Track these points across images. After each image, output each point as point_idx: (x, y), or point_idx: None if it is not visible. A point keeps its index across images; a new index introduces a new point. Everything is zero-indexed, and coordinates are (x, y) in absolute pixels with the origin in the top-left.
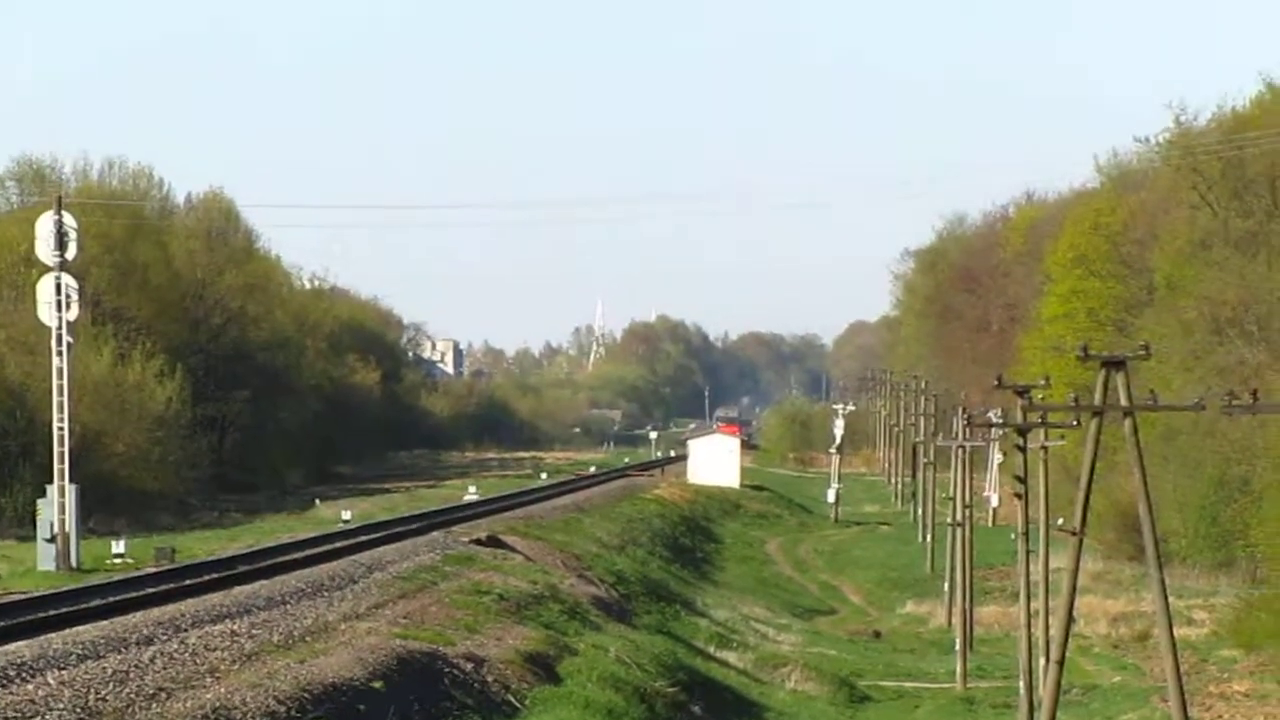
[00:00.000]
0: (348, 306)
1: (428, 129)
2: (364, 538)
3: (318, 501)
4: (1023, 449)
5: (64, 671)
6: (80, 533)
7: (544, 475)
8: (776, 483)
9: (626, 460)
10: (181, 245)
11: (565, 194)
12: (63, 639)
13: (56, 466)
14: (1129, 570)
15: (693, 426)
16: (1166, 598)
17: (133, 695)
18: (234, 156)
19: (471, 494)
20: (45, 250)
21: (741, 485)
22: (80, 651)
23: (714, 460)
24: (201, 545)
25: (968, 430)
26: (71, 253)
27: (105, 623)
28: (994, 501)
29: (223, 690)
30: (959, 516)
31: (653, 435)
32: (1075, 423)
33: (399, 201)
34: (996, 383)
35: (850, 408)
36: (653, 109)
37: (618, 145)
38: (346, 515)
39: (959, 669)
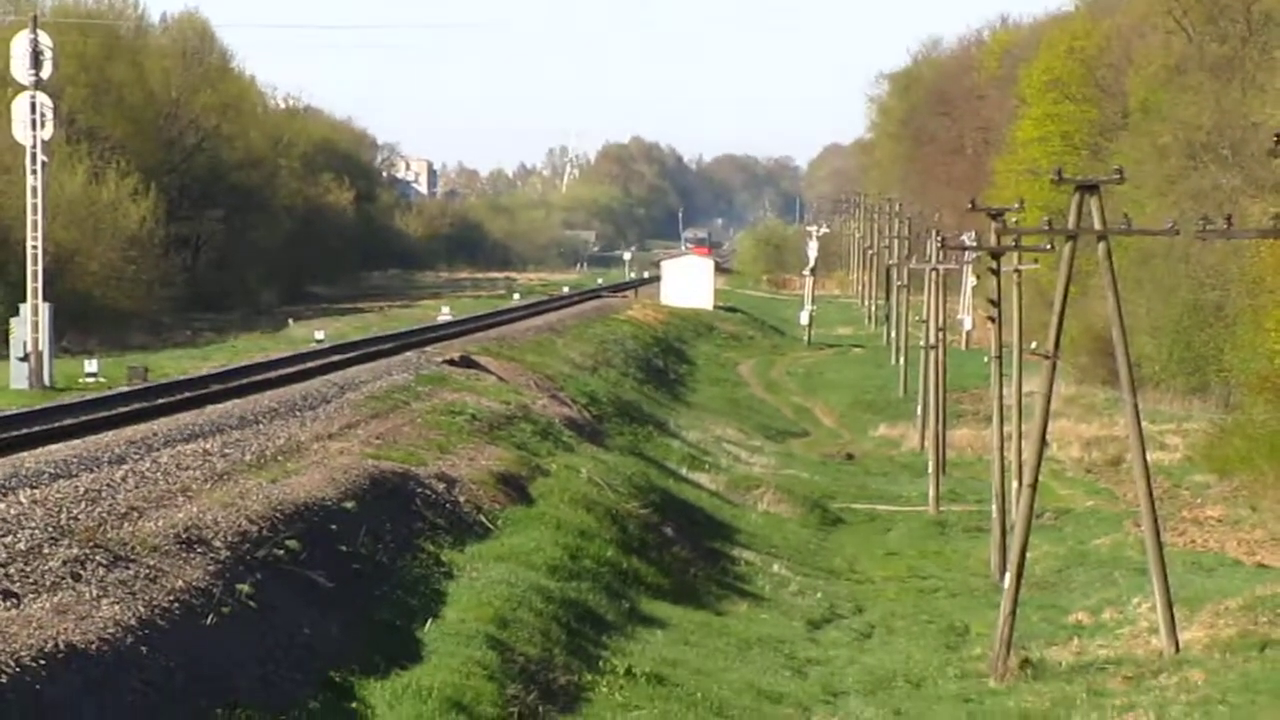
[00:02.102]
0: (322, 126)
1: None
2: (337, 358)
3: (291, 321)
4: (996, 272)
5: (36, 490)
6: (53, 351)
7: (517, 296)
8: (750, 305)
9: (600, 281)
10: (156, 65)
11: (540, 15)
12: (35, 458)
13: (30, 285)
14: (1102, 394)
15: (660, 251)
16: (1140, 422)
17: (105, 514)
18: None
19: (445, 314)
20: (20, 69)
21: (715, 307)
22: (52, 470)
23: (687, 282)
24: (174, 364)
25: (942, 253)
26: (46, 72)
27: (78, 441)
28: (967, 324)
29: (194, 509)
30: (932, 339)
31: (626, 256)
32: (1049, 246)
33: (375, 21)
34: (970, 206)
35: (824, 230)
36: None
37: None
38: (319, 335)
39: (931, 492)
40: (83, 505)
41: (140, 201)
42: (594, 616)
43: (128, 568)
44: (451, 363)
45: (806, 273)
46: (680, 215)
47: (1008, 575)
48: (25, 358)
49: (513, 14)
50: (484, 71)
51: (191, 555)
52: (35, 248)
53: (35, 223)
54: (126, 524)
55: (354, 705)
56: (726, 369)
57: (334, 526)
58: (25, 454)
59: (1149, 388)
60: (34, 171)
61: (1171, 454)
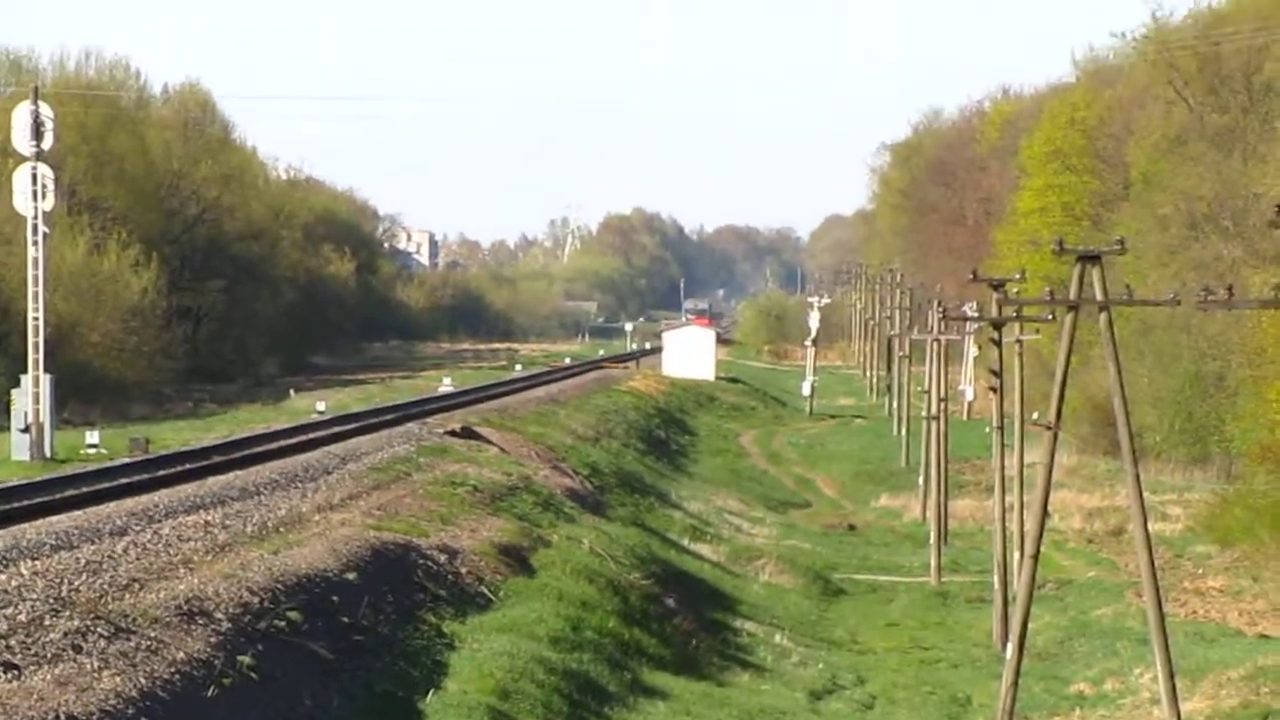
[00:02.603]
0: (323, 197)
1: (406, 19)
2: (338, 429)
3: (292, 392)
4: (998, 343)
5: (37, 561)
6: (55, 423)
7: (519, 367)
8: (751, 375)
9: (601, 352)
10: (158, 136)
11: (543, 87)
12: (36, 529)
13: (31, 356)
14: (1104, 465)
15: (660, 321)
16: (1141, 493)
17: (106, 585)
18: (211, 47)
19: (446, 385)
20: (22, 140)
21: (716, 378)
22: (54, 541)
23: (689, 353)
24: (176, 435)
25: (943, 324)
26: (48, 143)
27: (79, 513)
28: (969, 395)
29: (196, 580)
30: (934, 410)
31: (628, 327)
32: (1050, 317)
33: (377, 92)
34: (972, 276)
35: (826, 301)
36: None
37: (597, 35)
38: (321, 406)
39: (933, 563)
40: (84, 577)
41: (142, 272)
42: (596, 688)
43: (129, 639)
44: (453, 434)
45: (808, 343)
46: (682, 286)
47: (1010, 646)
48: (26, 429)
49: (514, 85)
50: (486, 143)
51: (193, 627)
52: (36, 319)
53: (36, 294)
54: (128, 595)
55: None
56: (728, 440)
57: (336, 598)
58: (27, 525)
59: (1151, 458)
60: (35, 242)
61: (1173, 524)
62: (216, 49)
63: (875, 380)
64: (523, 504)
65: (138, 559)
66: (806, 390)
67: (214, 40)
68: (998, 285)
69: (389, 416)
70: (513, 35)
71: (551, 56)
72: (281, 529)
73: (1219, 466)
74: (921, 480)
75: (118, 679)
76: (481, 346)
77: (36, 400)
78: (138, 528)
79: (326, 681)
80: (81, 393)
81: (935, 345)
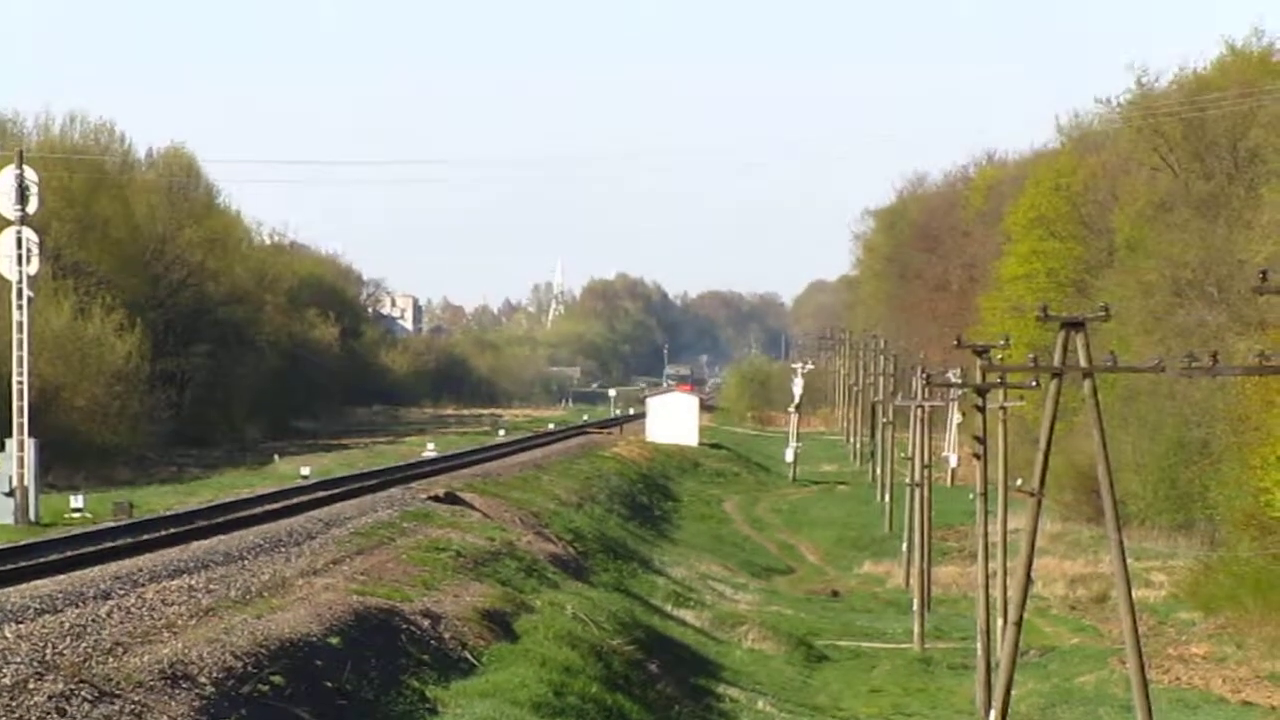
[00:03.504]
0: (308, 262)
1: (390, 85)
2: (322, 494)
3: (276, 457)
4: (982, 409)
5: (21, 625)
6: (39, 487)
7: (502, 432)
8: (735, 441)
9: (585, 418)
10: (142, 200)
11: (525, 152)
12: (20, 593)
13: (16, 420)
14: (1087, 532)
15: (643, 386)
16: (1125, 559)
17: (90, 649)
18: (195, 111)
19: (430, 450)
20: (6, 204)
21: (700, 444)
22: (38, 605)
23: (673, 418)
24: (160, 500)
25: (927, 390)
26: (33, 207)
27: (63, 577)
28: (953, 461)
29: (179, 645)
30: (917, 476)
31: (612, 393)
32: (1035, 383)
33: (361, 157)
34: (956, 343)
35: (809, 366)
36: (610, 63)
37: (578, 102)
38: (305, 471)
39: (916, 629)
40: (68, 641)
41: (126, 336)
42: None
43: (113, 703)
44: (436, 499)
45: (791, 409)
46: (665, 351)
47: (993, 713)
48: (11, 493)
49: (498, 151)
50: (470, 208)
51: (176, 691)
52: (21, 382)
53: (21, 358)
54: (111, 659)
55: None
56: (712, 505)
57: (319, 662)
58: (11, 589)
59: (1134, 525)
60: (19, 306)
61: (1157, 591)
62: (201, 113)
63: (859, 446)
64: (506, 569)
65: (121, 623)
66: (790, 456)
67: (198, 104)
68: (982, 351)
69: (373, 481)
70: (497, 103)
71: (535, 124)
72: (265, 593)
73: (1203, 533)
74: (905, 546)
75: None
76: (465, 411)
77: (21, 464)
78: (122, 591)
79: None
80: (66, 457)
81: (919, 411)
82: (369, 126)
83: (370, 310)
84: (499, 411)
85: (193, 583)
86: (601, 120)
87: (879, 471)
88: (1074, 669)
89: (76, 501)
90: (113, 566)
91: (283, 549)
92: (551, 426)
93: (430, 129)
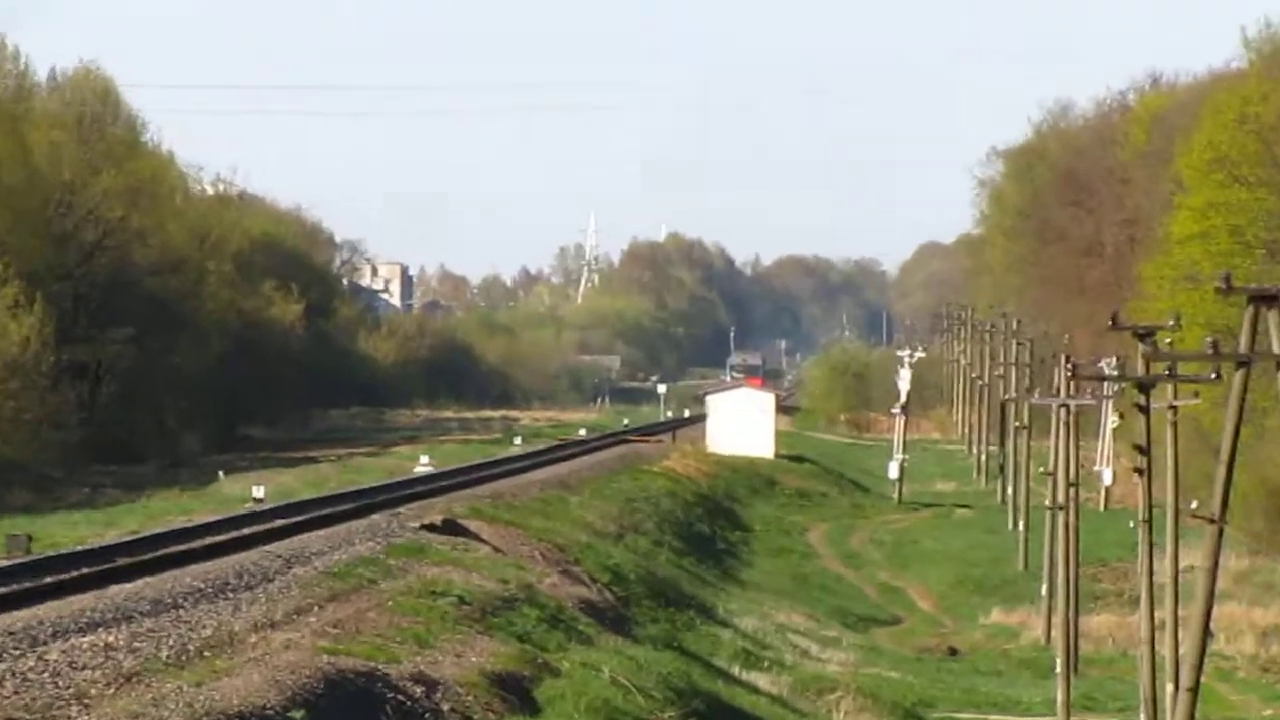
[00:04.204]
0: (262, 219)
1: None
2: (281, 522)
3: (221, 474)
4: (1145, 410)
5: None
6: None
7: (518, 440)
8: (822, 452)
9: (626, 422)
10: (43, 136)
11: (541, 73)
12: None
13: None
14: None
15: (702, 381)
16: None
17: None
18: (113, 23)
19: (424, 465)
20: None
21: (776, 455)
22: None
23: (741, 422)
24: (68, 531)
25: (1073, 385)
26: None
27: None
28: (1107, 478)
29: None
30: (1061, 497)
31: (661, 389)
32: (1214, 375)
33: (329, 81)
34: (1111, 323)
35: (919, 354)
36: None
37: (612, 12)
38: (259, 492)
39: (1060, 697)
40: None
41: (22, 317)
42: None
43: None
44: (432, 528)
45: (896, 410)
46: (731, 335)
47: None
48: None
49: (510, 76)
50: (474, 148)
51: None
52: None
53: None
54: None
55: None
56: (792, 536)
57: None
58: None
59: None
60: None
61: None
62: (121, 24)
63: (984, 459)
64: (523, 620)
65: (16, 693)
66: (894, 472)
67: (117, 12)
68: (1145, 334)
69: (348, 506)
70: (503, 9)
71: (555, 37)
72: (207, 653)
73: None
74: (1045, 590)
75: None
76: (470, 414)
77: None
78: (17, 652)
79: None
80: None
81: (1063, 413)
82: (341, 45)
83: (345, 282)
84: (514, 414)
85: (111, 640)
86: (641, 33)
87: (1010, 491)
88: None
89: None
90: (4, 619)
91: (230, 594)
92: (582, 433)
93: (420, 47)
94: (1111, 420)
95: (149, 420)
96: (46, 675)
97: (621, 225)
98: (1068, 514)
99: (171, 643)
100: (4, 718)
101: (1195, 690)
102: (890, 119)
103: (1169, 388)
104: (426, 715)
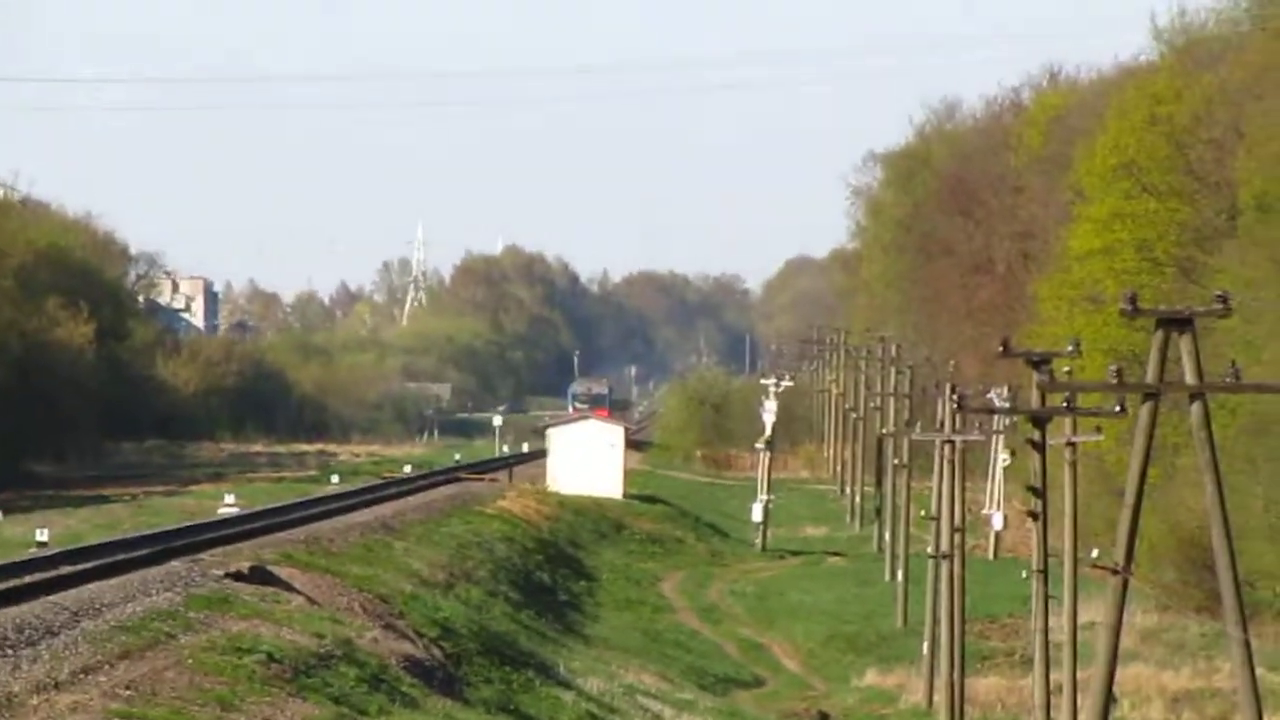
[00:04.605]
0: (47, 228)
1: None
2: (68, 569)
3: (0, 514)
4: (1040, 446)
5: None
6: None
7: (335, 478)
8: (677, 492)
9: (457, 457)
10: None
11: (360, 63)
12: None
13: None
14: (1196, 627)
15: (543, 413)
16: (1253, 668)
17: None
18: None
19: (229, 505)
20: None
21: (626, 496)
22: None
23: (586, 459)
24: None
25: (959, 418)
26: None
27: None
28: (997, 523)
29: None
30: (945, 545)
31: (497, 421)
32: (1119, 408)
33: (121, 74)
34: (1002, 349)
35: (786, 383)
36: None
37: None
38: (42, 536)
39: None
40: None
41: None
42: None
43: None
44: (239, 577)
45: (760, 446)
46: (575, 360)
47: None
48: None
49: (325, 61)
50: (287, 149)
51: None
52: None
53: None
54: None
55: None
56: (643, 586)
57: None
58: None
59: (1268, 617)
60: None
61: None
62: None
63: (859, 501)
64: (340, 680)
65: None
66: (758, 515)
67: None
68: (1040, 362)
69: (144, 551)
70: (329, 4)
71: (373, 23)
72: None
73: None
74: (926, 648)
75: None
76: (281, 448)
77: None
78: None
79: None
80: None
81: (947, 450)
82: (136, 30)
83: (142, 299)
84: (331, 448)
85: None
86: (472, 22)
87: (888, 537)
88: None
89: None
90: None
91: (9, 651)
92: (408, 470)
93: (229, 33)
94: (1002, 458)
95: None
96: None
97: (452, 237)
98: (952, 563)
99: None
100: None
101: None
102: (753, 118)
103: (1067, 422)
104: None
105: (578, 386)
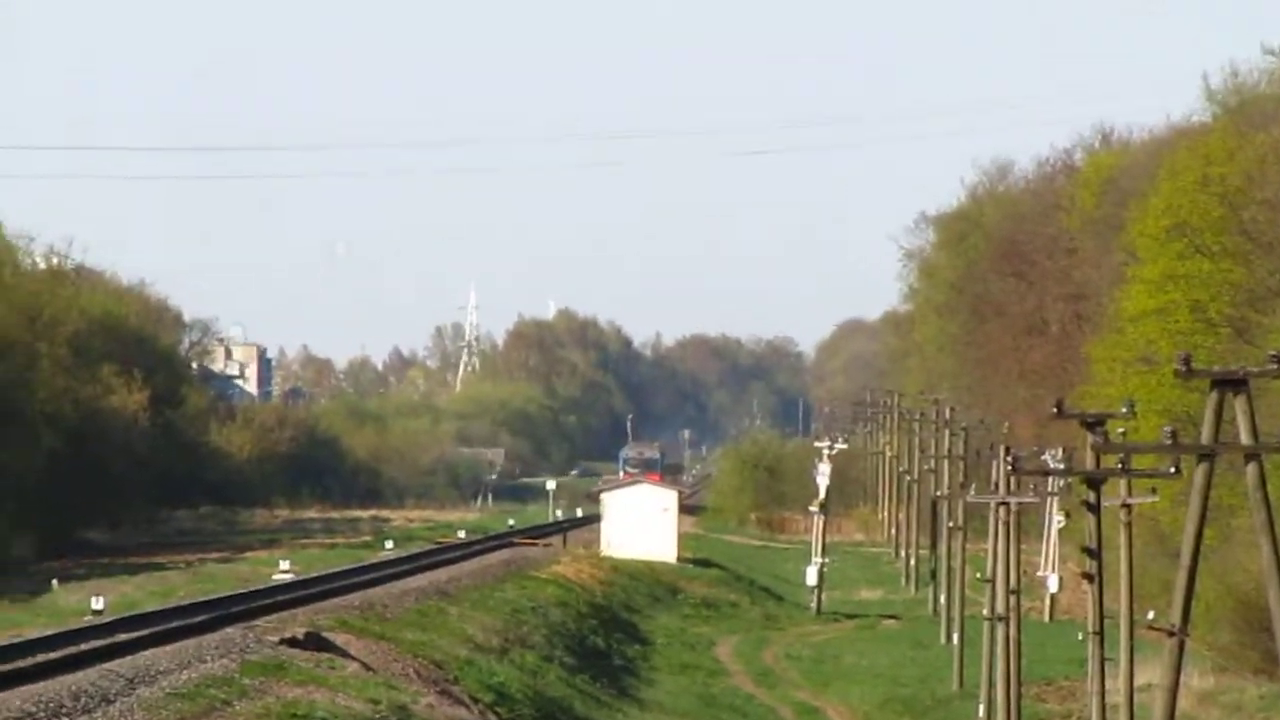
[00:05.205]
0: (101, 296)
1: (213, 41)
2: (124, 636)
3: (55, 583)
4: (1095, 508)
5: None
6: None
7: (389, 543)
8: (731, 556)
9: (511, 522)
10: None
11: (416, 134)
12: None
13: None
14: (1254, 689)
15: (596, 477)
16: None
17: None
18: None
19: (283, 571)
20: None
21: (680, 559)
22: None
23: (640, 523)
24: None
25: (1014, 480)
26: None
27: None
28: (1053, 585)
29: None
30: (1001, 607)
31: (550, 486)
32: (1174, 470)
33: (175, 143)
34: (1056, 410)
35: (840, 446)
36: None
37: (491, 65)
38: (98, 603)
39: None
40: None
41: None
42: None
43: None
44: (294, 643)
45: (814, 509)
46: (629, 424)
47: None
48: None
49: (380, 130)
50: (340, 216)
51: None
52: None
53: None
54: None
55: None
56: (698, 651)
57: None
58: None
59: None
60: None
61: None
62: None
63: (913, 563)
64: None
65: None
66: (812, 578)
67: None
68: (1094, 423)
69: (199, 618)
70: (368, 59)
71: (433, 100)
72: None
73: None
74: (982, 711)
75: None
76: (335, 514)
77: None
78: None
79: None
80: None
81: (1002, 512)
82: (188, 102)
83: (195, 366)
84: (385, 513)
85: None
86: (521, 89)
87: (944, 600)
88: None
89: None
90: None
91: (65, 719)
92: (462, 535)
93: (279, 104)
94: (1057, 520)
95: None
96: None
97: (505, 302)
98: (1008, 625)
99: None
100: None
101: None
102: (806, 181)
103: (1122, 483)
104: None
105: (629, 451)
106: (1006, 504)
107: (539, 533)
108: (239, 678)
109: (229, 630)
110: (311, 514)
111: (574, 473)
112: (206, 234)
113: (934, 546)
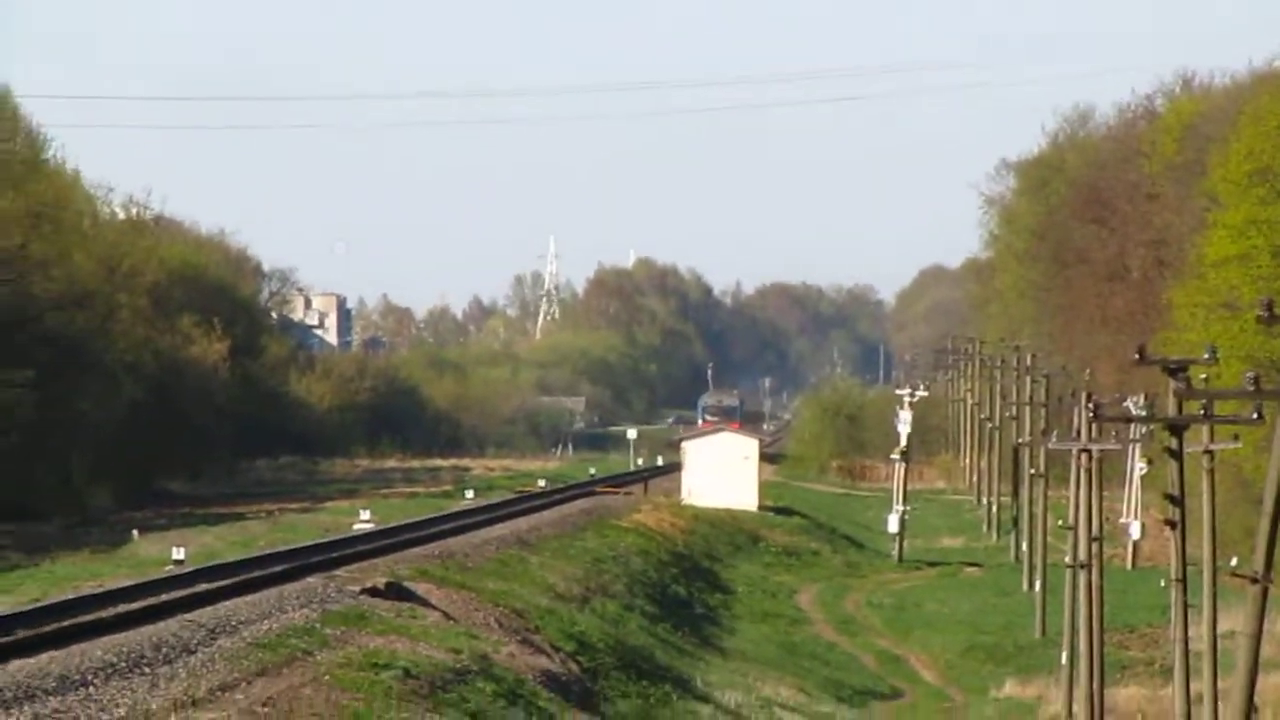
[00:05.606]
0: (181, 246)
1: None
2: (205, 586)
3: (136, 533)
4: (1178, 455)
5: None
6: None
7: (470, 493)
8: (813, 504)
9: (592, 471)
10: None
11: (490, 81)
12: None
13: None
14: None
15: (676, 425)
16: None
17: None
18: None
19: (364, 521)
20: None
21: (761, 508)
22: None
23: (721, 471)
24: None
25: (1095, 427)
26: None
27: None
28: (1135, 532)
29: None
30: (1083, 554)
31: (631, 434)
32: (1256, 415)
33: (255, 93)
34: (1138, 357)
35: (921, 393)
36: None
37: (568, 14)
38: (179, 554)
39: None
40: None
41: None
42: None
43: None
44: (375, 593)
45: (895, 457)
46: (709, 372)
47: None
48: None
49: (454, 80)
50: (418, 165)
51: None
52: None
53: None
54: None
55: None
56: (779, 599)
57: None
58: None
59: None
60: None
61: None
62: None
63: (995, 511)
64: (477, 696)
65: None
66: (894, 526)
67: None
68: (1177, 370)
69: (279, 568)
70: (455, 15)
71: (511, 49)
72: None
73: None
74: (1065, 659)
75: None
76: (415, 464)
77: None
78: None
79: None
80: None
81: (1084, 459)
82: (270, 52)
83: (275, 316)
84: (465, 463)
85: None
86: (602, 37)
87: (1025, 548)
88: None
89: None
90: None
91: (146, 669)
92: (542, 484)
93: (359, 53)
94: (1139, 467)
95: (52, 474)
96: None
97: (585, 251)
98: (1090, 573)
99: None
100: None
101: None
102: (886, 128)
103: (1204, 429)
104: None
105: (708, 398)
106: (1088, 451)
107: (620, 481)
108: (320, 628)
109: (310, 580)
110: (391, 464)
111: (670, 421)
112: (287, 184)
113: (1015, 494)
